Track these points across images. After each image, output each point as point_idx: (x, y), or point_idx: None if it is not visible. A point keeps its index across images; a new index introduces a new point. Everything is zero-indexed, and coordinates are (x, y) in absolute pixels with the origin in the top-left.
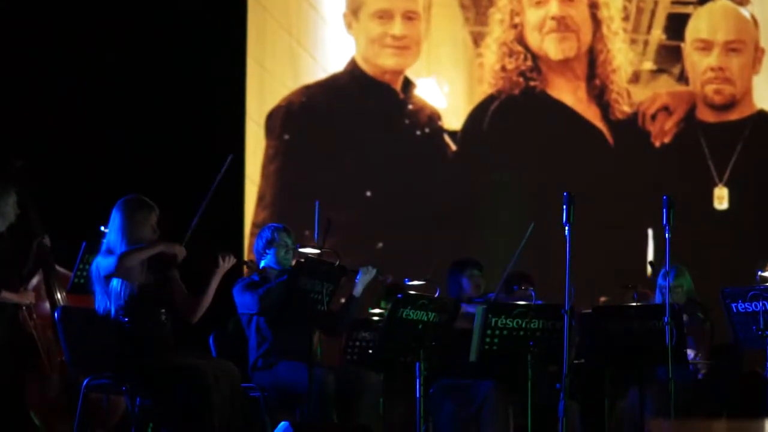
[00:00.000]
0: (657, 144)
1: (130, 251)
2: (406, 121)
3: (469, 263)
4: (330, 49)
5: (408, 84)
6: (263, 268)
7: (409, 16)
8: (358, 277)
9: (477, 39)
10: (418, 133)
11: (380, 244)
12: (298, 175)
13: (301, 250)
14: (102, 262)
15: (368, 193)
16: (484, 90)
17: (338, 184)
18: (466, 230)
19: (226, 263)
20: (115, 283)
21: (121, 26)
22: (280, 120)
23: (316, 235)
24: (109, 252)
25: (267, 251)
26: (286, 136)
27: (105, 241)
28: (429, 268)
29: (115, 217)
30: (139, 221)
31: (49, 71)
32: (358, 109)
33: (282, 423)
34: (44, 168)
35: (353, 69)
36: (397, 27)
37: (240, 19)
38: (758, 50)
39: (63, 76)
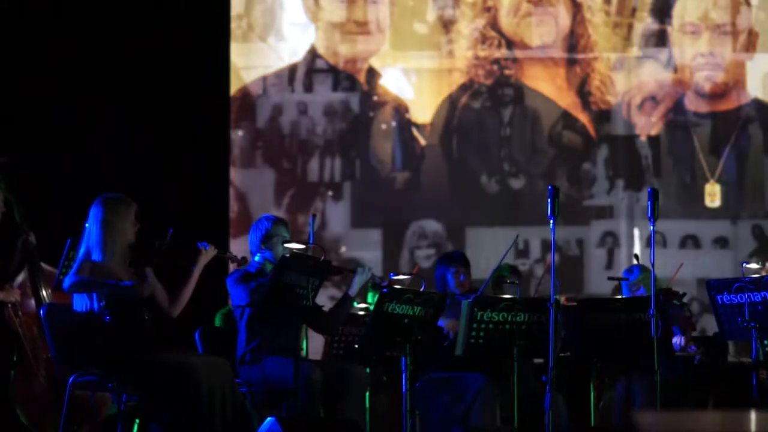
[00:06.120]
0: (643, 137)
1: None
2: (371, 114)
3: (455, 259)
4: (287, 36)
5: (372, 74)
6: (261, 262)
7: (374, 0)
8: (355, 277)
9: (447, 24)
10: (384, 126)
11: (343, 249)
12: (253, 173)
13: (287, 245)
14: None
15: (330, 193)
16: (455, 80)
17: (296, 183)
18: (436, 231)
19: (209, 253)
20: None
21: (99, 23)
22: (234, 114)
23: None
24: (89, 252)
25: (265, 245)
26: (240, 132)
27: (85, 238)
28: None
29: (96, 214)
30: (121, 217)
31: (30, 67)
32: (318, 102)
33: (268, 418)
34: (29, 165)
35: (313, 58)
36: (360, 11)
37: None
38: (752, 34)
39: (45, 72)
